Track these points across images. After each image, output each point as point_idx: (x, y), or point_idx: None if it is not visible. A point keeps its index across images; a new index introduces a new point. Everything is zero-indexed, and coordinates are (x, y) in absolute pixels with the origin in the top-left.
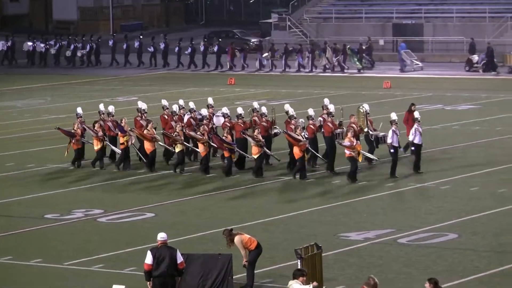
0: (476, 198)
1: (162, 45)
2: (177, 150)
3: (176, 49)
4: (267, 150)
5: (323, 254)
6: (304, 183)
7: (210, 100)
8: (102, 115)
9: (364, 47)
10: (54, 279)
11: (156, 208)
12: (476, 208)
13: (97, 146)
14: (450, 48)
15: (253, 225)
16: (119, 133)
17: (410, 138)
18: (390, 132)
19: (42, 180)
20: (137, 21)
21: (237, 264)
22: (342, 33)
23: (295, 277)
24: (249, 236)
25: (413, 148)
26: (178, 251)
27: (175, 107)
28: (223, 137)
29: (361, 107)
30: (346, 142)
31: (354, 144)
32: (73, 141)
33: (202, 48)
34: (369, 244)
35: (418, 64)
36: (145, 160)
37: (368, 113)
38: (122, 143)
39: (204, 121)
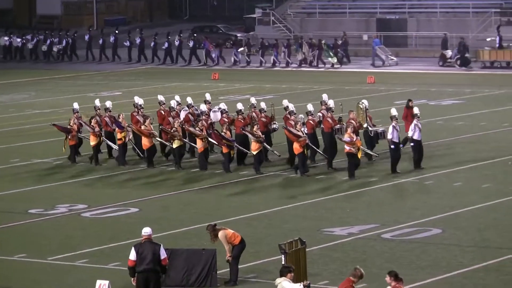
0: (460, 193)
1: (138, 40)
2: (174, 146)
3: (152, 44)
4: (267, 146)
5: (307, 249)
6: (301, 179)
7: (207, 96)
8: (98, 110)
9: (339, 43)
10: (38, 274)
11: (141, 203)
12: (460, 203)
13: (93, 141)
14: (434, 43)
15: (237, 220)
16: (116, 128)
17: (410, 134)
18: (390, 128)
19: (26, 175)
20: (121, 16)
21: (221, 259)
22: (326, 28)
23: (282, 274)
24: (232, 231)
25: (412, 144)
26: (162, 246)
27: (173, 103)
28: (222, 133)
29: (360, 102)
30: (346, 137)
31: (354, 140)
32: (69, 136)
33: (177, 43)
34: (353, 239)
35: (393, 59)
36: (141, 155)
37: (367, 109)
38: (120, 139)
39: (203, 117)
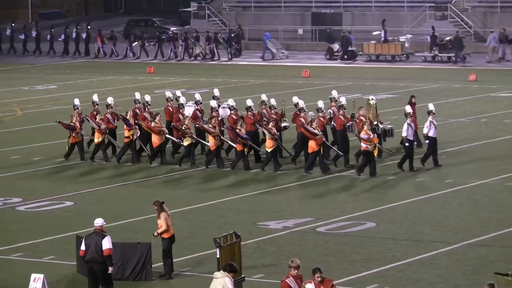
0: (393, 187)
1: (34, 33)
2: (185, 143)
3: (48, 36)
4: (280, 143)
5: (242, 243)
6: (238, 172)
7: (216, 92)
8: (96, 106)
9: (232, 35)
10: None
11: (75, 197)
12: (393, 197)
13: (98, 138)
14: (369, 38)
15: (172, 214)
16: (125, 126)
17: (425, 131)
18: (405, 125)
19: None
20: (56, 9)
21: (156, 252)
22: (261, 22)
23: (226, 270)
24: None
25: (427, 141)
26: (107, 237)
27: (182, 100)
28: (237, 130)
29: (371, 99)
30: (363, 135)
31: (372, 137)
32: (73, 134)
33: (74, 36)
34: (288, 233)
35: (283, 52)
36: (148, 152)
37: (376, 106)
38: (127, 137)
39: (214, 113)
